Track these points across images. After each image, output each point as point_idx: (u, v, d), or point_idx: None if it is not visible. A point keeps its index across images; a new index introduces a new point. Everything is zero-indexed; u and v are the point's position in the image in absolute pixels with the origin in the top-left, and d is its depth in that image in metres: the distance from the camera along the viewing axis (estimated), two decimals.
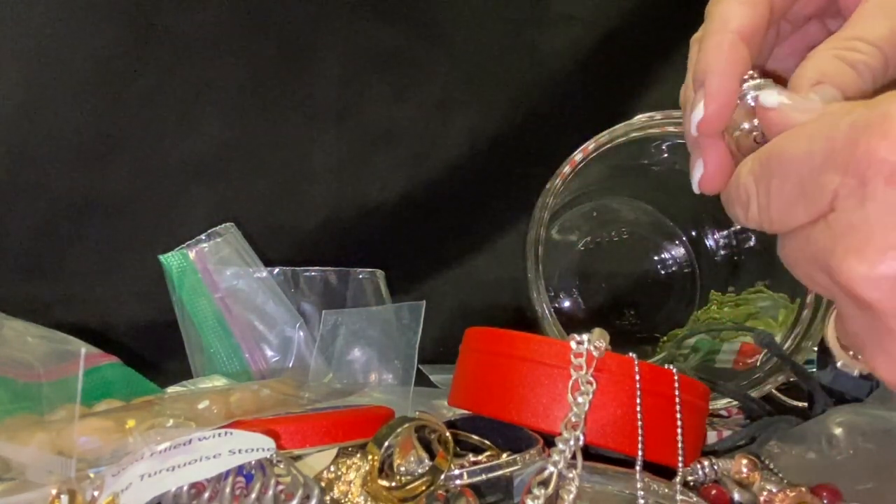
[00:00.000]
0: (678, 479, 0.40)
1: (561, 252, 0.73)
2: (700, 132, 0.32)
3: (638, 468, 0.39)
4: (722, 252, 0.72)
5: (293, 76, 0.67)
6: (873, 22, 0.30)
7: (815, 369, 0.60)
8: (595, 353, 0.40)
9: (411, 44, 0.70)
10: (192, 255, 0.63)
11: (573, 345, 0.41)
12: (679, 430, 0.41)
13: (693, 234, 0.73)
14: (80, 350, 0.48)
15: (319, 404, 0.50)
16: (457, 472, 0.39)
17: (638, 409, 0.40)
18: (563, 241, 0.74)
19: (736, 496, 0.43)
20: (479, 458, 0.43)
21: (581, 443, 0.38)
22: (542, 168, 0.59)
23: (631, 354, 0.41)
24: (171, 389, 0.54)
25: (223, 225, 0.65)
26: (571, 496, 0.36)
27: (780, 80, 0.32)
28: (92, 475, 0.38)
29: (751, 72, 0.32)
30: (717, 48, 0.32)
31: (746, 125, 0.31)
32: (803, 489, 0.41)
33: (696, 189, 0.34)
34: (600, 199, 0.73)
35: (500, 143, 0.73)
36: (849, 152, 0.24)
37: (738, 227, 0.70)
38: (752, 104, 0.31)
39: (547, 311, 0.58)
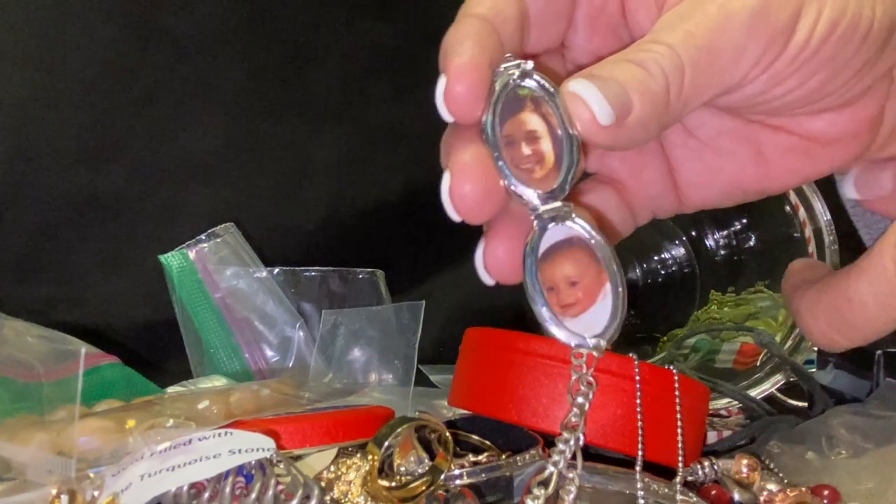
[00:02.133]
0: (678, 479, 0.40)
1: None
2: (452, 112, 0.27)
3: (638, 468, 0.39)
4: (722, 252, 0.72)
5: (293, 76, 0.67)
6: (669, 28, 0.26)
7: (815, 369, 0.60)
8: (595, 353, 0.41)
9: (411, 44, 0.70)
10: (192, 255, 0.63)
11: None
12: (679, 430, 0.41)
13: (693, 234, 0.73)
14: (80, 350, 0.48)
15: (319, 404, 0.50)
16: (457, 472, 0.39)
17: (638, 409, 0.40)
18: None
19: (736, 496, 0.43)
20: (479, 458, 0.43)
21: (581, 443, 0.38)
22: None
23: (631, 354, 0.41)
24: (171, 389, 0.54)
25: (223, 225, 0.65)
26: (571, 496, 0.36)
27: (549, 72, 0.27)
28: (92, 475, 0.38)
29: (508, 55, 0.27)
30: (462, 27, 0.27)
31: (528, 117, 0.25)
32: (803, 489, 0.41)
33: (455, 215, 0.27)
34: None
35: None
36: None
37: (738, 226, 0.70)
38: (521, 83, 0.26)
39: None
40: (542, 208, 0.24)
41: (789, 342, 0.61)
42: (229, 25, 0.65)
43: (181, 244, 0.63)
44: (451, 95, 0.27)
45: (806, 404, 0.56)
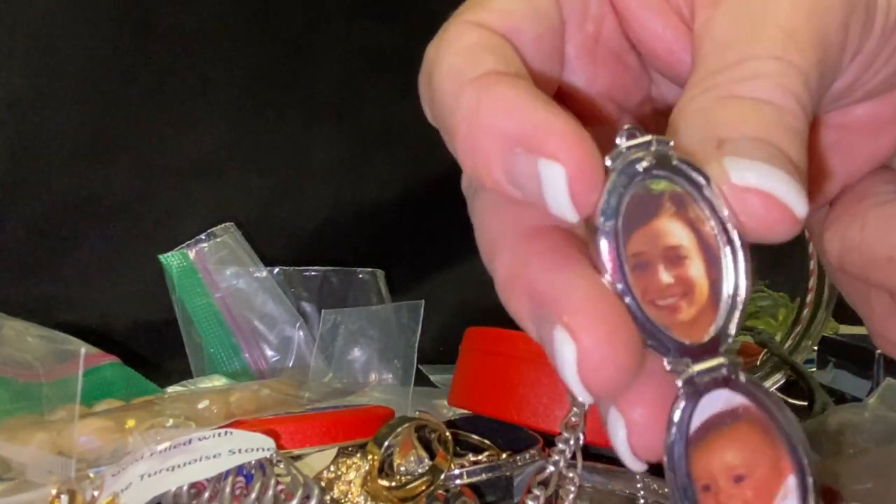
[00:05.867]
0: None
1: None
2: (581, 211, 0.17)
3: None
4: None
5: (293, 76, 0.67)
6: (749, 33, 0.19)
7: (814, 369, 0.60)
8: None
9: (411, 44, 0.70)
10: (192, 255, 0.63)
11: None
12: None
13: None
14: (80, 350, 0.48)
15: (319, 404, 0.51)
16: (457, 472, 0.39)
17: None
18: None
19: None
20: (479, 458, 0.43)
21: (581, 443, 0.38)
22: None
23: None
24: (171, 389, 0.54)
25: (223, 225, 0.65)
26: (571, 496, 0.36)
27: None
28: (92, 475, 0.38)
29: (627, 127, 0.17)
30: (509, 89, 0.18)
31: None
32: None
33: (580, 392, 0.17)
34: None
35: None
36: None
37: None
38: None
39: None
40: (695, 369, 0.16)
41: (789, 342, 0.61)
42: (229, 25, 0.65)
43: (181, 244, 0.63)
44: (581, 195, 0.16)
45: (806, 404, 0.56)
